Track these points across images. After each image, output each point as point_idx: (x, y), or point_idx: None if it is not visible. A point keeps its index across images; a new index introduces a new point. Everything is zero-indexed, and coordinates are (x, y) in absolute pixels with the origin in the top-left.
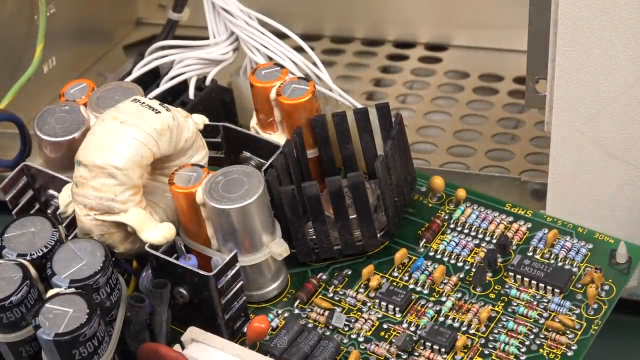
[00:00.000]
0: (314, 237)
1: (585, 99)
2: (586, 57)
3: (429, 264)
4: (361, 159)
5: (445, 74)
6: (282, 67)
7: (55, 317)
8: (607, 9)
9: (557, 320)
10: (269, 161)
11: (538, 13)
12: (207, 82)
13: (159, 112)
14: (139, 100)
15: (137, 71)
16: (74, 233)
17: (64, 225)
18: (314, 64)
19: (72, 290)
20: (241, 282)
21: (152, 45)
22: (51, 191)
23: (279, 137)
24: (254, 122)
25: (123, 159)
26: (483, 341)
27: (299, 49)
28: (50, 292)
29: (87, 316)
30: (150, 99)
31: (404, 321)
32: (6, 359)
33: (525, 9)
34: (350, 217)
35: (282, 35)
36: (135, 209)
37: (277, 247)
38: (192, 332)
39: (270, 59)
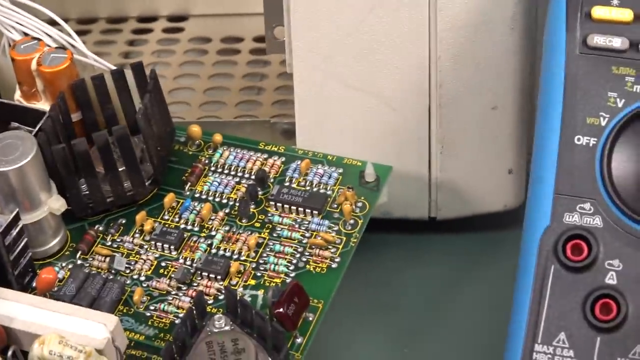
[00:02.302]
0: (88, 192)
1: (321, 39)
2: None
3: (196, 204)
4: (122, 119)
5: (189, 40)
6: (39, 40)
7: None
8: None
9: (318, 238)
10: (38, 126)
11: None
12: None
13: None
14: None
15: None
16: None
17: None
18: (69, 34)
19: None
20: (25, 240)
21: None
22: None
23: (43, 105)
24: (17, 95)
25: None
26: (254, 265)
27: (54, 23)
28: None
29: None
30: None
31: (180, 257)
32: None
33: None
34: (119, 169)
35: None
36: None
37: (55, 203)
38: None
39: (27, 34)
